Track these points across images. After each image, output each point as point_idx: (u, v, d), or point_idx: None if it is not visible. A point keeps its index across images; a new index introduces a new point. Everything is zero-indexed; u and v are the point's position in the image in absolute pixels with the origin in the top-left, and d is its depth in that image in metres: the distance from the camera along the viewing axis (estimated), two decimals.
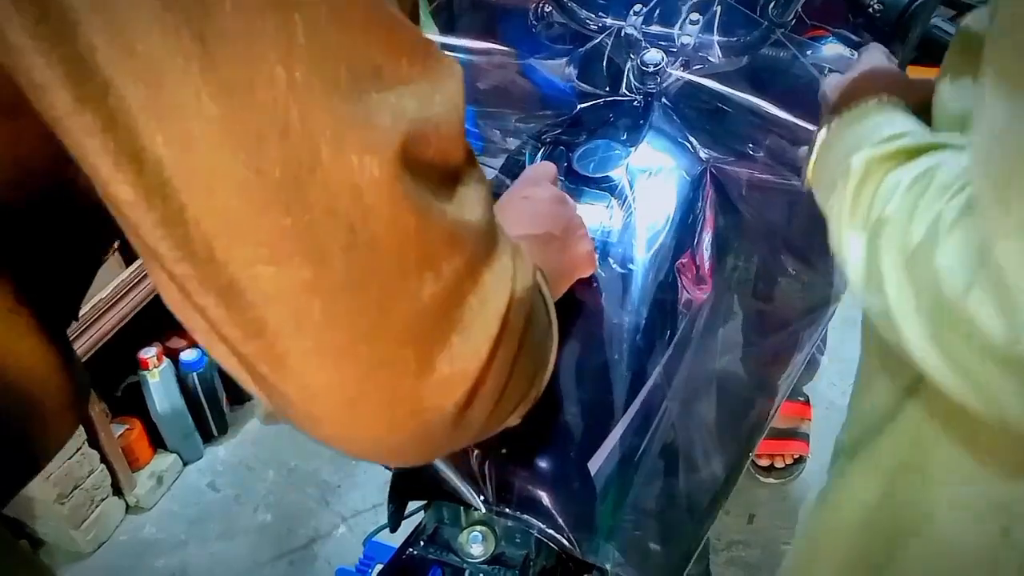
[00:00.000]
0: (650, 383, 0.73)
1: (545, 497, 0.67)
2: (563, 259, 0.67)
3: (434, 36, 1.21)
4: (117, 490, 1.64)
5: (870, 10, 0.75)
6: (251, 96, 0.31)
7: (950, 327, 0.43)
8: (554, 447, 0.69)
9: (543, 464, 0.69)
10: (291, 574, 1.56)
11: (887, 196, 0.48)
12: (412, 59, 0.35)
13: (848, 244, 0.51)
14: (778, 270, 0.87)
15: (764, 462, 1.64)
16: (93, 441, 1.56)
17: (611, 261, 0.78)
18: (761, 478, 1.64)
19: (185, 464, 1.76)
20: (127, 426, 1.68)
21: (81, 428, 1.52)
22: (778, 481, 1.63)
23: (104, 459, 1.59)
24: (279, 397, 0.37)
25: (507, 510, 0.67)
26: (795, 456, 1.64)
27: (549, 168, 0.75)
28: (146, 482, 1.68)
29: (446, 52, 0.38)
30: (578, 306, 0.75)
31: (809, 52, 0.93)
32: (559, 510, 0.67)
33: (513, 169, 0.98)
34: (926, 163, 0.48)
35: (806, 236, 0.90)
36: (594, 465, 0.68)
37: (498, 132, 1.10)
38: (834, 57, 0.92)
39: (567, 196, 0.73)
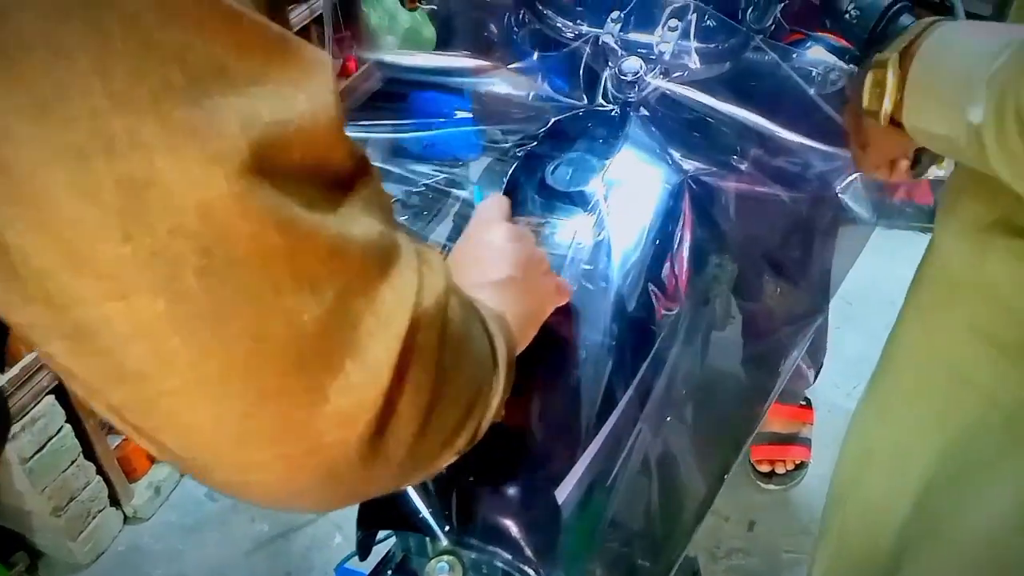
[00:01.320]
0: (621, 405, 0.71)
1: (511, 527, 0.66)
2: (527, 300, 0.62)
3: (420, 56, 1.20)
4: (115, 501, 1.64)
5: (846, 16, 0.72)
6: (65, 110, 0.27)
7: None
8: (520, 476, 0.67)
9: (508, 494, 0.67)
10: None
11: None
12: (267, 57, 0.31)
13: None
14: (758, 284, 0.85)
15: (765, 468, 1.61)
16: (88, 453, 1.56)
17: (583, 279, 0.76)
18: (762, 484, 1.61)
19: (183, 474, 1.75)
20: (124, 437, 1.67)
21: (76, 441, 1.52)
22: (779, 488, 1.60)
23: (100, 471, 1.59)
24: (162, 447, 0.34)
25: (472, 541, 0.66)
26: (796, 462, 1.61)
27: (500, 203, 0.70)
28: (144, 492, 1.68)
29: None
30: (547, 327, 0.73)
31: (795, 55, 0.91)
32: (526, 540, 0.65)
33: (491, 179, 0.96)
34: None
35: (788, 249, 0.87)
36: (561, 493, 0.67)
37: (499, 131, 1.08)
38: (818, 61, 0.89)
39: (523, 232, 0.68)
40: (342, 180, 0.35)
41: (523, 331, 0.59)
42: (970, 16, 0.73)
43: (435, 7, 1.34)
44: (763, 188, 0.87)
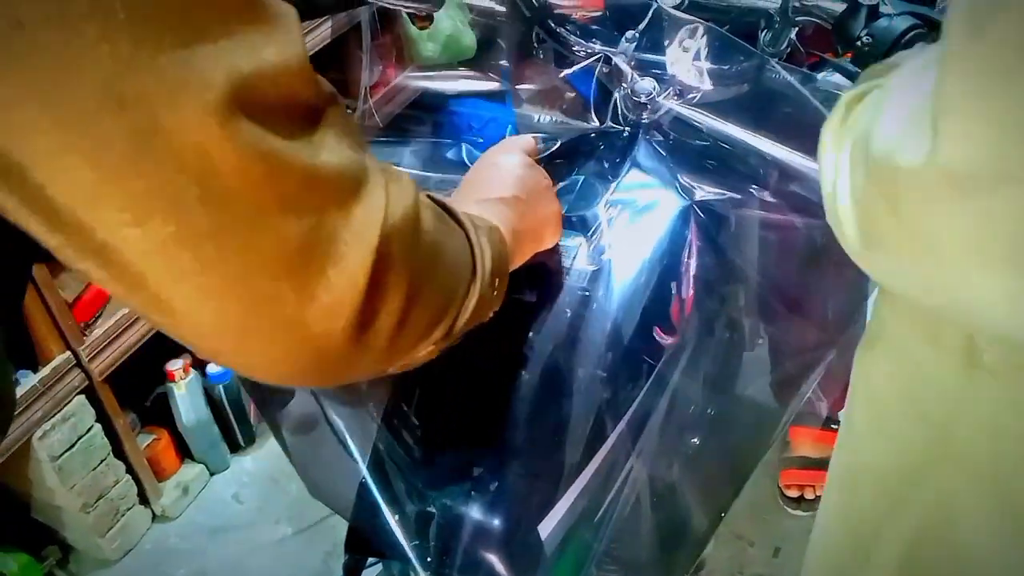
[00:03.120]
0: (611, 440, 0.69)
1: (491, 561, 0.65)
2: (528, 221, 0.68)
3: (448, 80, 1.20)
4: (143, 499, 1.67)
5: (859, 42, 0.70)
6: (80, 75, 0.33)
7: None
8: (502, 510, 0.66)
9: (490, 527, 0.66)
10: None
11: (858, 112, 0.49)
12: (239, 15, 0.36)
13: (824, 165, 0.52)
14: (766, 317, 0.82)
15: (794, 493, 1.57)
16: (118, 452, 1.59)
17: (579, 307, 0.74)
18: (790, 510, 1.57)
19: (212, 474, 1.78)
20: (155, 436, 1.71)
21: (106, 440, 1.55)
22: (807, 514, 1.56)
23: (129, 469, 1.62)
24: (180, 337, 0.41)
25: (452, 573, 0.65)
26: None
27: (525, 139, 0.77)
28: (172, 492, 1.71)
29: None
30: (541, 355, 0.72)
31: (820, 76, 0.88)
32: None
33: None
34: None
35: (799, 280, 0.84)
36: (545, 529, 0.65)
37: (539, 135, 1.08)
38: (841, 84, 0.86)
39: (534, 163, 0.74)
40: (313, 113, 0.40)
41: (520, 247, 0.66)
42: None
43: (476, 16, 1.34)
44: (777, 215, 0.85)
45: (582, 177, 0.82)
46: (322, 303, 0.39)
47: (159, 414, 1.73)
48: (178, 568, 1.63)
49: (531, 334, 0.72)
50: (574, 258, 0.76)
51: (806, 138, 0.82)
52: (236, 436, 1.80)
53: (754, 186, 0.84)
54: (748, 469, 0.79)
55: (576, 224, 0.79)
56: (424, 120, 1.83)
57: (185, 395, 1.68)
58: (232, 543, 1.66)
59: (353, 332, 0.41)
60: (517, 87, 1.03)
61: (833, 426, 1.61)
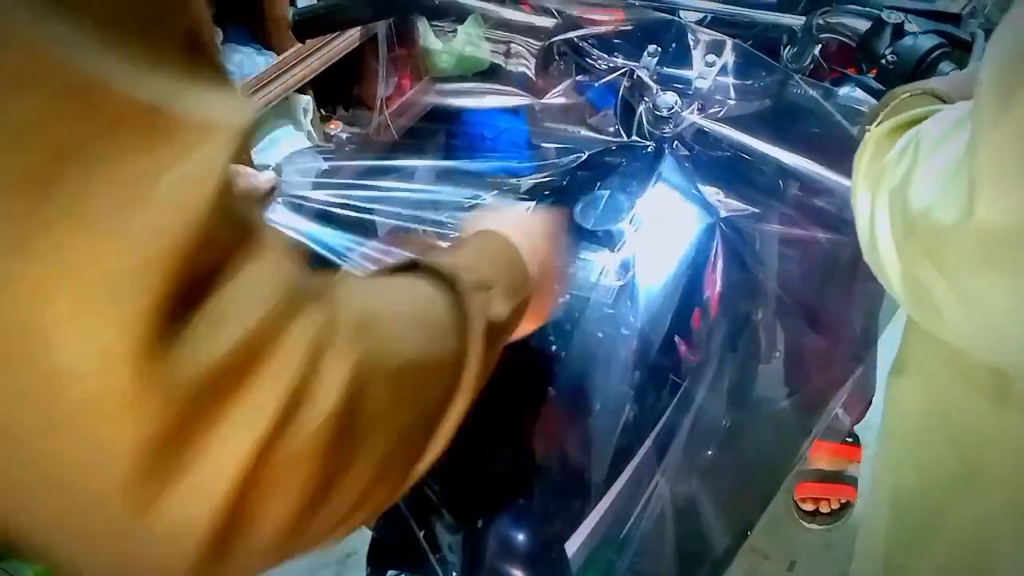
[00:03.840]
0: (638, 458, 0.69)
1: None
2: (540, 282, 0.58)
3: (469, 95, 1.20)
4: None
5: (883, 60, 0.70)
6: None
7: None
8: (529, 526, 0.66)
9: (517, 543, 0.66)
10: None
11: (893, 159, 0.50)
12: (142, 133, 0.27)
13: (857, 203, 0.53)
14: (793, 335, 0.82)
15: (808, 507, 1.56)
16: None
17: (605, 323, 0.74)
18: (805, 523, 1.56)
19: None
20: None
21: None
22: (822, 527, 1.55)
23: None
24: None
25: None
26: (842, 501, 1.55)
27: (559, 216, 0.70)
28: None
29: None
30: (567, 370, 0.72)
31: (842, 91, 0.88)
32: None
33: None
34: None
35: (826, 296, 0.84)
36: (571, 546, 0.65)
37: (553, 149, 1.08)
38: (863, 100, 0.86)
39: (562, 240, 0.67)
40: (196, 293, 0.29)
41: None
42: None
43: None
44: (801, 230, 0.85)
45: (607, 192, 0.82)
46: (169, 519, 0.29)
47: None
48: None
49: (557, 349, 0.72)
50: (600, 274, 0.76)
51: (830, 152, 0.83)
52: None
53: (778, 200, 0.84)
54: (774, 487, 0.79)
55: (602, 239, 0.79)
56: (438, 132, 1.84)
57: None
58: None
59: (210, 550, 0.30)
60: (537, 100, 1.04)
61: (848, 439, 1.60)
